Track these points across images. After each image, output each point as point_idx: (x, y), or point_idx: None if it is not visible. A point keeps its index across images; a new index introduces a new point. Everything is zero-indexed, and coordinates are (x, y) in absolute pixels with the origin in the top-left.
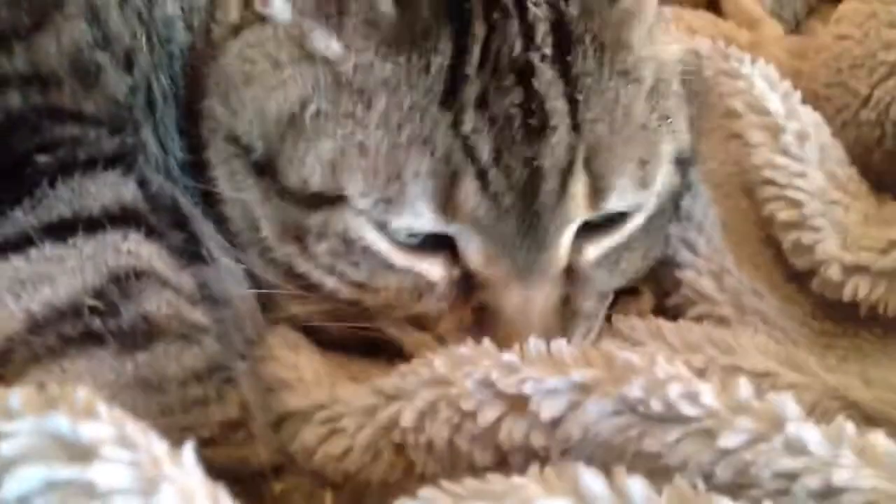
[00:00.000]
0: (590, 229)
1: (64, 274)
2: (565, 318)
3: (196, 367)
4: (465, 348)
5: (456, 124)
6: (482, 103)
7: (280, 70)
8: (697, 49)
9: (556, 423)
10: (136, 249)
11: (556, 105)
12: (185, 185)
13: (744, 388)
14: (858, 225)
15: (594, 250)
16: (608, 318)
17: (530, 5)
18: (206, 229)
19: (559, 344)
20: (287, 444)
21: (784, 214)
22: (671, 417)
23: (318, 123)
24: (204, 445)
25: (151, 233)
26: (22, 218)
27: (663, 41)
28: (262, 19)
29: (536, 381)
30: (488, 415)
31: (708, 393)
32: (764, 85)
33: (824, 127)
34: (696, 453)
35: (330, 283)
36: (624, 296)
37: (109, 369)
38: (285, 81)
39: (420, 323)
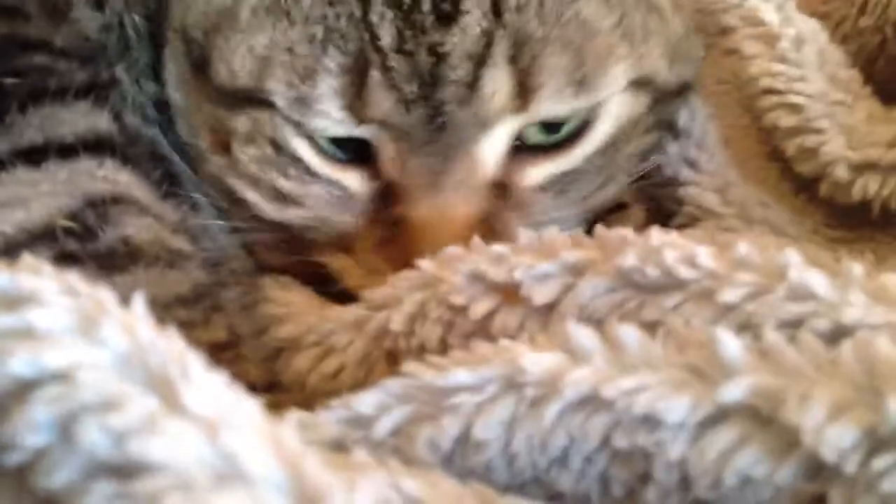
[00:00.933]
0: (535, 150)
1: (37, 197)
2: (488, 234)
3: (180, 292)
4: (454, 248)
5: (365, 15)
6: None
7: None
8: None
9: (550, 307)
10: (114, 176)
11: None
12: (161, 125)
13: (743, 247)
14: (863, 123)
15: (536, 173)
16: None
17: None
18: (183, 170)
19: (550, 232)
20: (282, 375)
21: (786, 121)
22: (669, 284)
23: (255, 18)
24: None
25: (128, 162)
26: None
27: None
28: None
29: (527, 268)
30: (480, 307)
31: (706, 254)
32: None
33: (822, 32)
34: (696, 314)
35: (253, 197)
36: (609, 214)
37: None
38: None
39: (344, 245)
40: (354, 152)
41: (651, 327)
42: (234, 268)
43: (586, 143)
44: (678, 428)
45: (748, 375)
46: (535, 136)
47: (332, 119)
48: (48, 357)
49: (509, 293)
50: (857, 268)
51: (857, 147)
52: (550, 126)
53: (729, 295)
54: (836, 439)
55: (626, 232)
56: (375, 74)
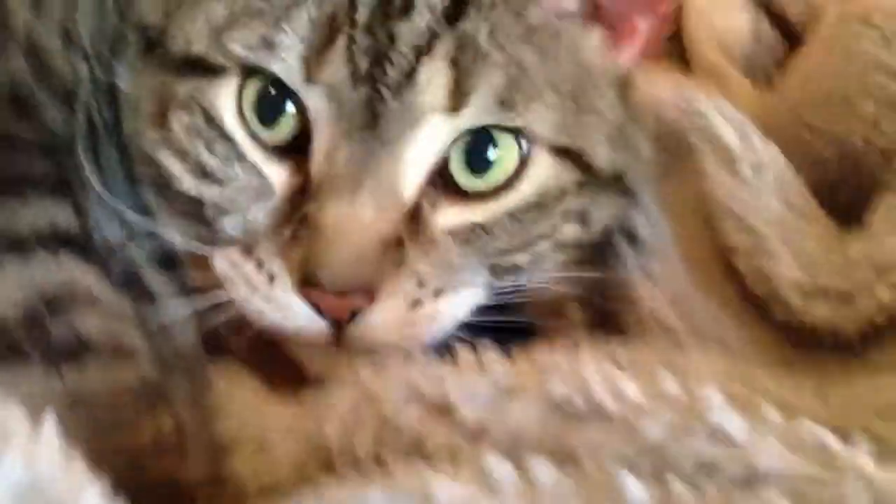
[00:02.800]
0: (454, 194)
1: None
2: (387, 262)
3: (128, 384)
4: (392, 359)
5: None
6: None
7: None
8: (659, 95)
9: (481, 428)
10: (69, 269)
11: None
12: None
13: (669, 382)
14: (818, 249)
15: (452, 215)
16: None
17: None
18: (147, 271)
19: (487, 353)
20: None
21: (743, 243)
22: (595, 416)
23: None
24: (135, 463)
25: (86, 255)
26: None
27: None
28: None
29: (460, 386)
30: (412, 424)
31: (631, 388)
32: (719, 118)
33: (781, 158)
34: (618, 448)
35: (177, 170)
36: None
37: (36, 385)
38: None
39: (248, 246)
40: (288, 144)
41: (572, 456)
42: (187, 362)
43: (504, 199)
44: None
45: None
46: (459, 174)
47: (289, 65)
48: None
49: (442, 410)
50: (773, 413)
51: (810, 273)
52: (474, 169)
53: (650, 430)
54: None
55: (561, 358)
56: (341, 42)
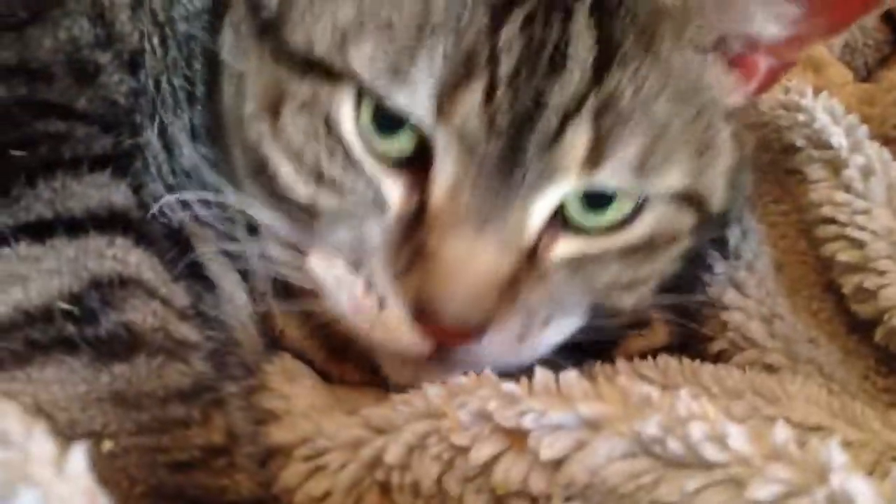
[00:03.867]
0: (566, 230)
1: (38, 276)
2: (504, 300)
3: (180, 386)
4: (464, 378)
5: (494, 29)
6: (528, 21)
7: None
8: None
9: (558, 464)
10: (123, 256)
11: (580, 50)
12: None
13: (781, 431)
14: None
15: (565, 246)
16: (612, 359)
17: None
18: (207, 248)
19: (568, 376)
20: (272, 482)
21: (845, 256)
22: (692, 462)
23: None
24: (179, 470)
25: (142, 240)
26: None
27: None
28: None
29: (539, 415)
30: (483, 451)
31: (737, 435)
32: (826, 118)
33: (893, 164)
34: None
35: (286, 171)
36: (633, 331)
37: (81, 380)
38: None
39: (353, 264)
40: (404, 159)
41: None
42: (242, 357)
43: (617, 236)
44: None
45: None
46: (575, 212)
47: (419, 103)
48: None
49: (516, 439)
50: None
51: None
52: (591, 208)
53: (760, 491)
54: None
55: (651, 390)
56: (478, 88)
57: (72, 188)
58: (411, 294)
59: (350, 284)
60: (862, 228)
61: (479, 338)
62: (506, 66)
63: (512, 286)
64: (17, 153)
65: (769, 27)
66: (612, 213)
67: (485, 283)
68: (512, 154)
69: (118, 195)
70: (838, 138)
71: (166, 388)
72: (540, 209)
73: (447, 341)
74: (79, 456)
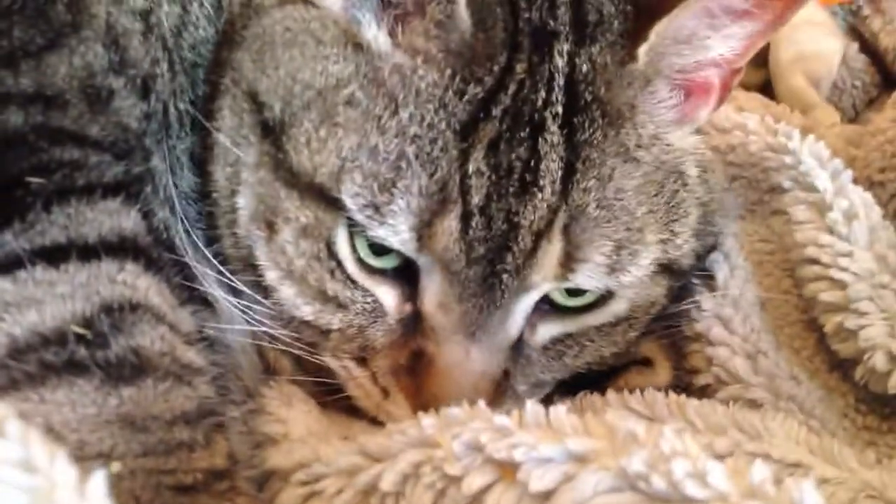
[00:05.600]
0: (546, 312)
1: (52, 300)
2: (498, 392)
3: (185, 409)
4: (457, 409)
5: (463, 158)
6: (493, 147)
7: (322, 47)
8: (744, 122)
9: (547, 495)
10: (133, 281)
11: (551, 166)
12: (187, 218)
13: (758, 470)
14: None
15: (546, 331)
16: (603, 392)
17: (556, 54)
18: (206, 270)
19: (558, 410)
20: None
21: (827, 296)
22: (675, 498)
23: (350, 113)
24: (184, 492)
25: (151, 266)
26: (12, 240)
27: (681, 129)
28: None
29: (529, 448)
30: (475, 481)
31: (718, 473)
32: (812, 161)
33: (875, 208)
34: None
35: (289, 293)
36: (636, 366)
37: (91, 402)
38: (327, 57)
39: (360, 358)
40: (396, 269)
41: None
42: (243, 382)
43: (599, 314)
44: None
45: None
46: (556, 295)
47: (400, 237)
48: None
49: (507, 470)
50: None
51: None
52: (571, 294)
53: None
54: None
55: (637, 426)
56: (454, 220)
57: (85, 214)
58: (412, 389)
59: (356, 373)
60: (844, 270)
61: None
62: (477, 196)
63: (503, 380)
64: (35, 180)
65: (724, 49)
66: (589, 296)
67: (477, 385)
68: (492, 274)
69: (128, 221)
70: (823, 182)
71: (172, 411)
72: (522, 310)
73: None
74: (99, 482)
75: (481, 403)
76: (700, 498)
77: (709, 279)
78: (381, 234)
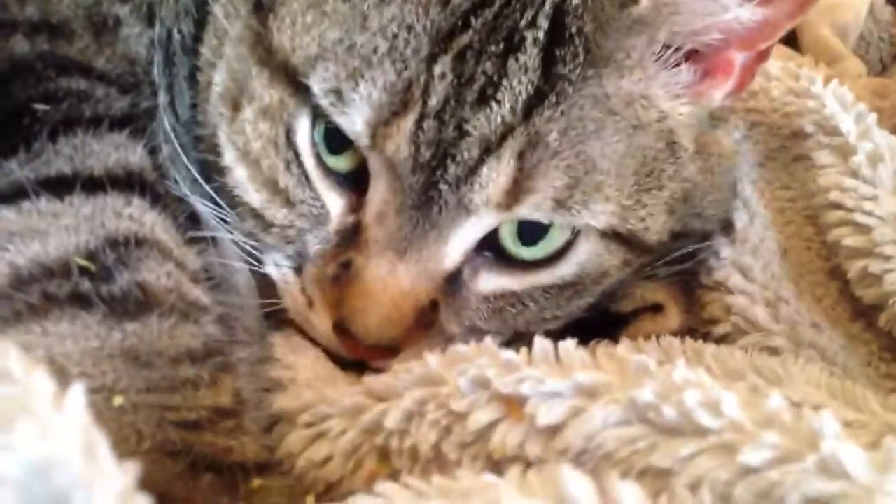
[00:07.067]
0: (493, 262)
1: (56, 231)
2: (420, 323)
3: (191, 347)
4: (464, 346)
5: (432, 61)
6: (461, 55)
7: None
8: (766, 68)
9: (554, 430)
10: (139, 216)
11: (515, 85)
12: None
13: (774, 399)
14: None
15: (489, 281)
16: (616, 339)
17: None
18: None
19: (566, 346)
20: (276, 447)
21: (851, 240)
22: (686, 428)
23: (339, 6)
24: (187, 429)
25: (157, 202)
26: (17, 169)
27: (686, 104)
28: None
29: (536, 381)
30: (480, 418)
31: (731, 402)
32: (836, 104)
33: None
34: (712, 470)
35: (243, 177)
36: (647, 312)
37: (94, 336)
38: None
39: (298, 268)
40: (349, 177)
41: (660, 476)
42: (249, 324)
43: (546, 273)
44: None
45: None
46: (508, 241)
47: (357, 127)
48: None
49: (513, 406)
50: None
51: None
52: (524, 240)
53: (752, 456)
54: None
55: (649, 360)
56: (411, 118)
57: (91, 146)
58: (333, 302)
59: (293, 285)
60: (868, 213)
61: (392, 356)
62: (434, 99)
63: (429, 310)
64: (41, 107)
65: (742, 13)
66: (545, 247)
67: (400, 306)
68: (433, 185)
69: (134, 156)
70: (847, 125)
71: (177, 348)
72: (461, 239)
73: (359, 355)
74: (77, 394)
75: (488, 339)
76: (713, 428)
77: (728, 227)
78: (340, 121)
